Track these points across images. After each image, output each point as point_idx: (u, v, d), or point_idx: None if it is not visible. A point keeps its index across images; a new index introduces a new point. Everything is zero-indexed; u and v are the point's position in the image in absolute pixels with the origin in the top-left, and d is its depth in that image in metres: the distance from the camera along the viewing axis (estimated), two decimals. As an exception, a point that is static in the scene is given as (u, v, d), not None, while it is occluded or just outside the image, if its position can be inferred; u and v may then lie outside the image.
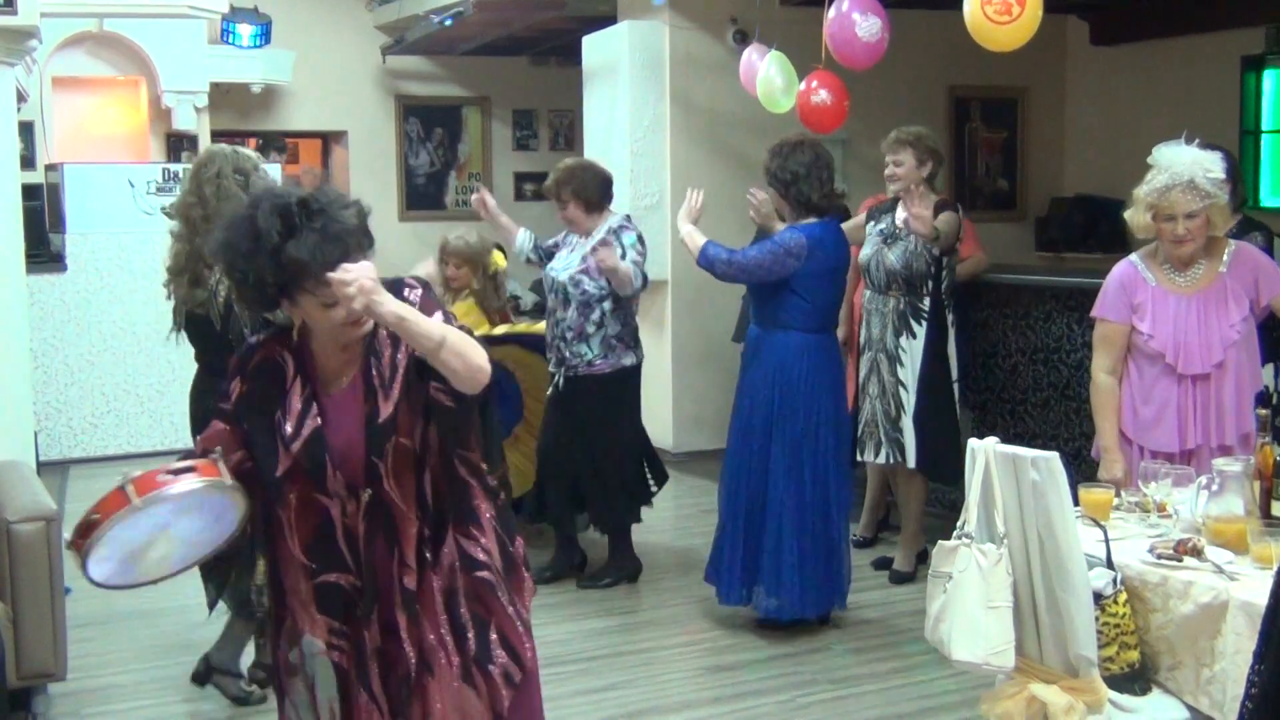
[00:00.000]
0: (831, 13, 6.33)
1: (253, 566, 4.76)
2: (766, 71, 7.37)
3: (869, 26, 6.19)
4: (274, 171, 9.83)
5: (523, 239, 6.50)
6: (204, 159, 4.80)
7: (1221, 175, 4.12)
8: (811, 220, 5.40)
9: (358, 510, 2.82)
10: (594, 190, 6.16)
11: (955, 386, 6.28)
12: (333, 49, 12.40)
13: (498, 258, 7.09)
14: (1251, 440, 3.97)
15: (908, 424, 6.11)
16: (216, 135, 11.56)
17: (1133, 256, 4.37)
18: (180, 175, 9.51)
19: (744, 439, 5.48)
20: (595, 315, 5.98)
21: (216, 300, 4.61)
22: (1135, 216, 4.27)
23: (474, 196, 6.54)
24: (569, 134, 13.15)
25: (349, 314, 2.70)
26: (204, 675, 4.97)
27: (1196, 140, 4.20)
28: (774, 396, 5.38)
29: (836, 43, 6.35)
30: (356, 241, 2.75)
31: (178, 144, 11.30)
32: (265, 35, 11.27)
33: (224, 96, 11.63)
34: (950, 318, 6.20)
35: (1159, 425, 4.25)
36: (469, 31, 11.15)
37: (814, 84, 7.01)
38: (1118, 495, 3.88)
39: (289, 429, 2.81)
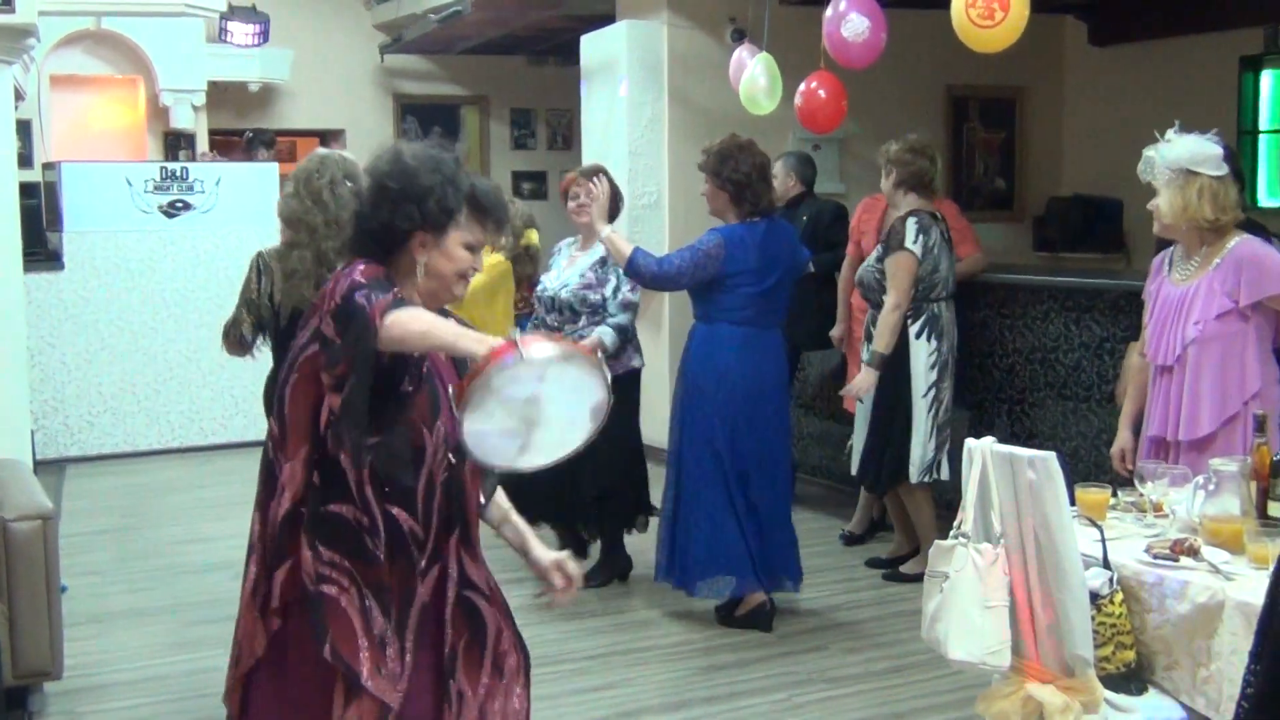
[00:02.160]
0: (829, 13, 6.33)
1: None
2: (752, 72, 7.37)
3: (853, 26, 6.18)
4: (271, 172, 9.83)
5: None
6: (313, 167, 4.82)
7: (1181, 165, 4.17)
8: (733, 221, 5.56)
9: (441, 464, 2.88)
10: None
11: (924, 400, 6.08)
12: (331, 48, 12.41)
13: (531, 235, 7.68)
14: (1218, 445, 4.13)
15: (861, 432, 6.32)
16: (214, 134, 11.57)
17: (1172, 247, 4.44)
18: (178, 174, 9.54)
19: (673, 424, 5.74)
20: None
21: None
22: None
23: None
24: (567, 133, 13.15)
25: (472, 269, 2.95)
26: None
27: (1212, 132, 4.27)
28: (693, 383, 5.59)
29: (834, 43, 6.35)
30: None
31: (175, 142, 11.30)
32: (263, 34, 11.27)
33: (222, 95, 11.63)
34: (915, 330, 6.10)
35: (1149, 408, 4.45)
36: (467, 30, 11.16)
37: (813, 84, 7.01)
38: (1114, 495, 3.88)
39: (424, 370, 2.90)
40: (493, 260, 6.59)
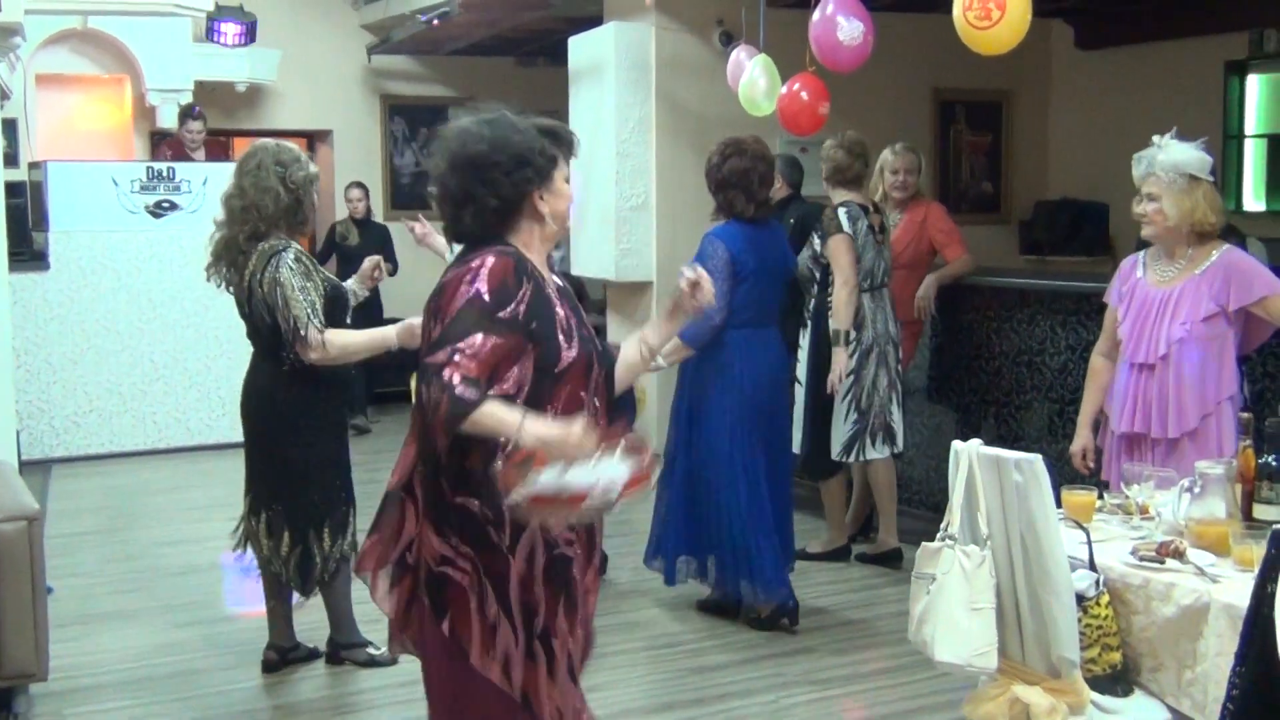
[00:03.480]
0: (816, 15, 6.34)
1: (346, 526, 5.02)
2: (751, 74, 7.37)
3: (850, 30, 6.19)
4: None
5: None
6: (247, 152, 5.02)
7: (1185, 171, 4.27)
8: (722, 221, 5.67)
9: (594, 421, 2.99)
10: None
11: (842, 385, 6.24)
12: (318, 48, 12.37)
13: None
14: (1195, 441, 4.22)
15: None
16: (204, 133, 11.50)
17: (1144, 251, 4.59)
18: (164, 174, 9.52)
19: (677, 427, 5.78)
20: None
21: (242, 285, 4.85)
22: (1133, 205, 4.51)
23: (411, 225, 6.09)
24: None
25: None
26: (275, 665, 5.19)
27: (1201, 140, 4.38)
28: (701, 387, 5.63)
29: (821, 45, 6.36)
30: None
31: (161, 142, 11.26)
32: (246, 34, 11.21)
33: (209, 95, 11.59)
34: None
35: (1117, 405, 4.51)
36: (455, 31, 11.13)
37: (795, 86, 7.01)
38: (1100, 497, 3.90)
39: (570, 323, 3.02)
40: None
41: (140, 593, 6.32)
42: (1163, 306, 4.34)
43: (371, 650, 5.19)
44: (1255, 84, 9.74)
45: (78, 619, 5.86)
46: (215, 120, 11.75)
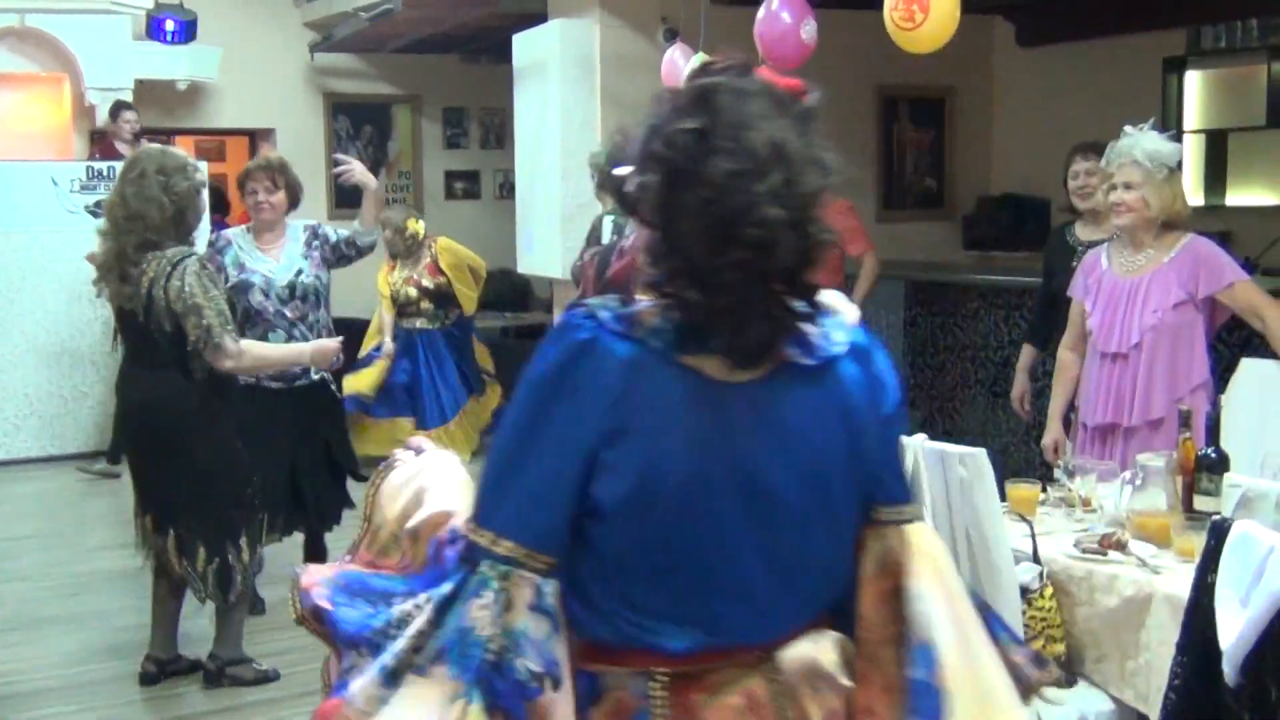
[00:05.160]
0: (762, 13, 6.36)
1: (260, 536, 4.96)
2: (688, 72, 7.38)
3: (810, 29, 6.24)
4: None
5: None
6: (131, 159, 4.93)
7: (1165, 162, 4.33)
8: None
9: None
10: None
11: None
12: (260, 46, 12.27)
13: (418, 225, 8.26)
14: (1164, 429, 4.24)
15: None
16: (145, 133, 11.39)
17: (1105, 243, 4.64)
18: (104, 173, 9.42)
19: None
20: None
21: (140, 294, 4.70)
22: (1099, 194, 4.61)
23: (339, 170, 6.22)
24: (500, 132, 13.09)
25: None
26: (154, 677, 5.05)
27: (1170, 132, 4.50)
28: None
29: (766, 42, 6.38)
30: None
31: (100, 141, 11.13)
32: (180, 32, 11.08)
33: (149, 93, 11.47)
34: None
35: (1087, 398, 4.54)
36: (398, 29, 11.08)
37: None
38: (1044, 490, 3.94)
39: None
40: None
41: (83, 597, 6.24)
42: (1132, 295, 4.39)
43: (257, 666, 5.06)
44: (1193, 80, 9.86)
45: (20, 624, 5.79)
46: (156, 119, 11.63)
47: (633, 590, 1.80)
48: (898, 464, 1.95)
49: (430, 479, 2.12)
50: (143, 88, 11.23)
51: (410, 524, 2.06)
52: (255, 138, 12.94)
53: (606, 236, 6.07)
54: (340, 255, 5.85)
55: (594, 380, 1.76)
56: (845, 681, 1.89)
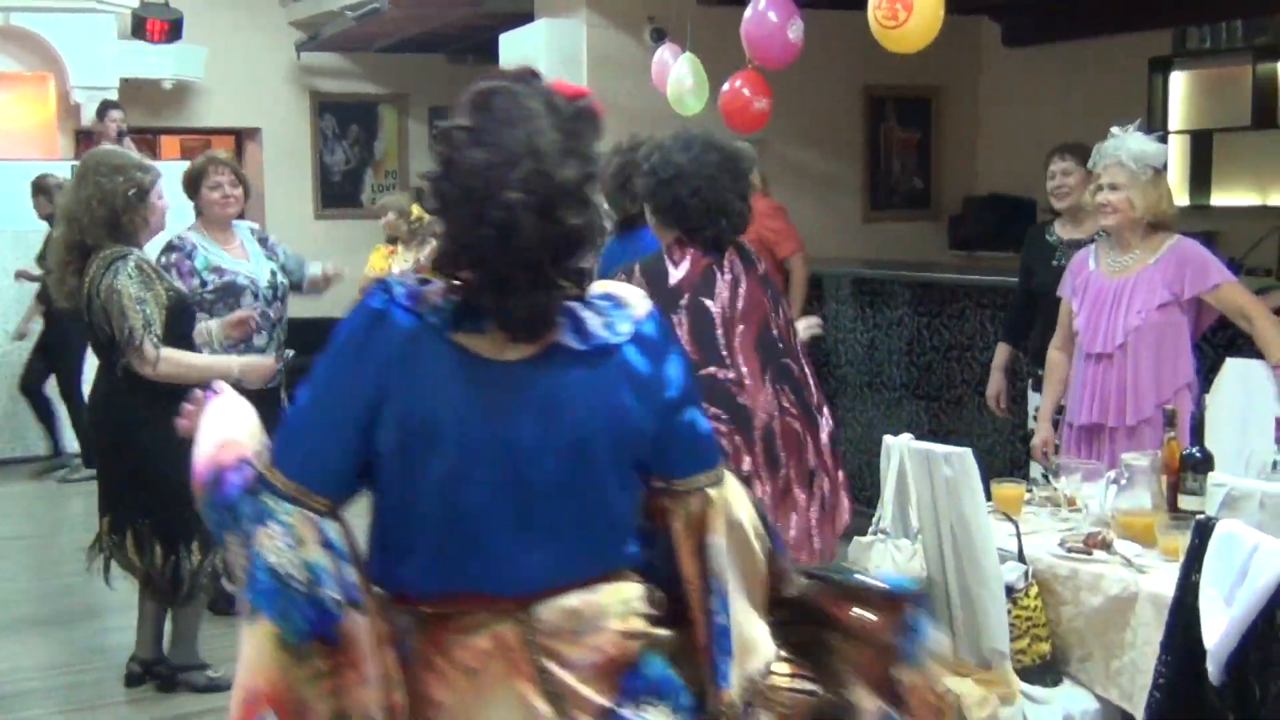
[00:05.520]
0: (749, 12, 6.36)
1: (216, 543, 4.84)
2: (678, 73, 7.38)
3: (797, 28, 6.24)
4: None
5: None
6: (83, 158, 4.84)
7: (1151, 163, 4.34)
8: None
9: None
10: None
11: None
12: (246, 45, 12.24)
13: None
14: (1150, 429, 4.24)
15: None
16: (130, 131, 11.36)
17: (1093, 244, 4.66)
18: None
19: None
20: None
21: (83, 294, 4.65)
22: (1087, 195, 4.58)
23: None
24: (486, 132, 13.09)
25: None
26: (139, 678, 5.03)
27: (1156, 133, 4.51)
28: None
29: (753, 42, 6.38)
30: None
31: (87, 141, 11.10)
32: (165, 31, 11.03)
33: (135, 93, 11.44)
34: None
35: (1073, 398, 4.55)
36: (384, 28, 11.06)
37: (737, 83, 7.03)
38: (1029, 490, 3.94)
39: None
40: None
41: (67, 598, 6.22)
42: (1117, 296, 4.40)
43: (210, 673, 4.97)
44: (1178, 81, 9.89)
45: (2, 626, 5.77)
46: (141, 118, 11.60)
47: (401, 536, 2.06)
48: (689, 442, 2.17)
49: (222, 414, 2.27)
50: (128, 87, 11.20)
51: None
52: (241, 137, 12.91)
53: None
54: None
55: (378, 346, 2.01)
56: (617, 625, 2.09)
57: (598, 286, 2.13)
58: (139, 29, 10.83)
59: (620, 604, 2.10)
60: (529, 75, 2.12)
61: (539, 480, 2.03)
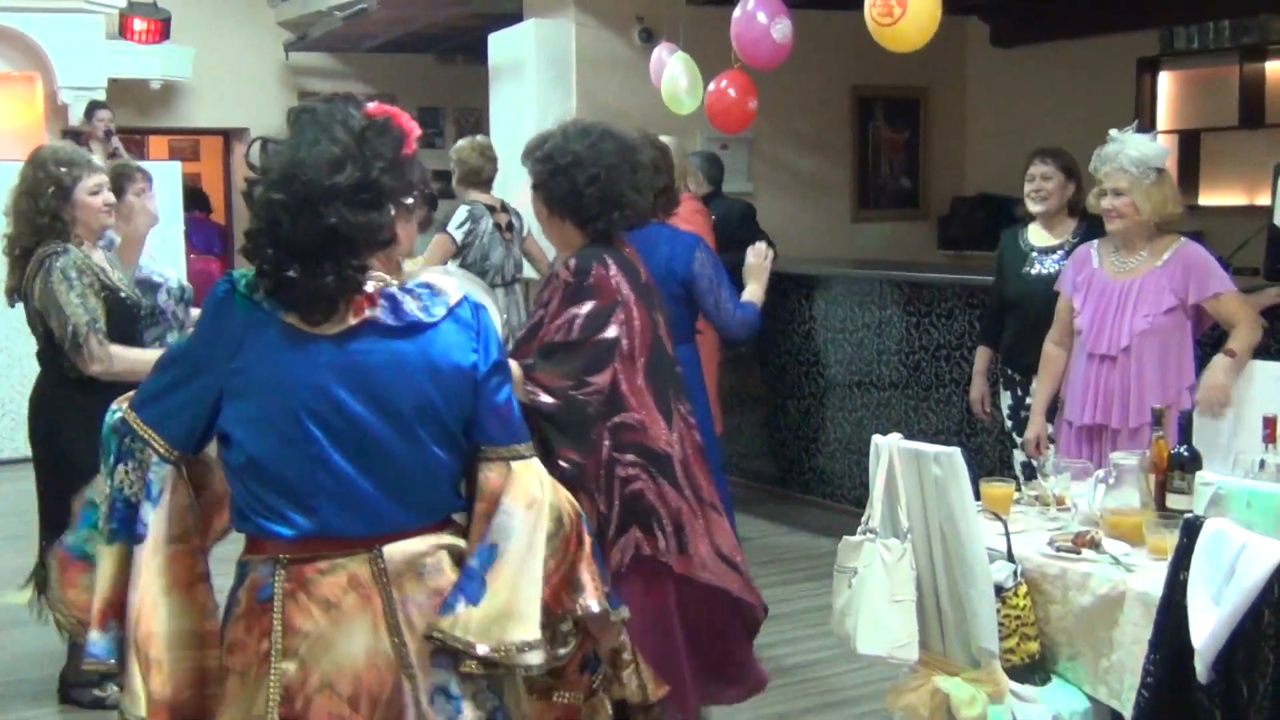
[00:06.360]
0: (738, 12, 6.36)
1: None
2: (672, 71, 7.38)
3: (782, 28, 6.23)
4: (174, 171, 9.67)
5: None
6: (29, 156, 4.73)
7: (1153, 164, 4.33)
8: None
9: None
10: None
11: None
12: (234, 45, 12.23)
13: None
14: (1147, 436, 4.14)
15: None
16: (118, 132, 11.35)
17: (1096, 241, 4.63)
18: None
19: None
20: None
21: (22, 289, 4.56)
22: (1090, 199, 4.55)
23: None
24: (475, 132, 13.04)
25: None
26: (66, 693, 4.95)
27: (1153, 133, 4.52)
28: None
29: (742, 42, 6.38)
30: None
31: (75, 140, 11.06)
32: (153, 31, 11.01)
33: (123, 93, 11.42)
34: None
35: (1074, 397, 4.54)
36: (373, 28, 11.06)
37: (723, 83, 7.03)
38: (1018, 490, 3.95)
39: None
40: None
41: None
42: (1123, 298, 4.39)
43: (98, 693, 4.80)
44: (1166, 81, 9.91)
45: (-9, 626, 5.76)
46: (129, 119, 11.58)
47: (258, 489, 2.38)
48: (498, 414, 2.49)
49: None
50: (116, 87, 11.18)
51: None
52: (229, 137, 12.90)
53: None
54: None
55: (225, 325, 2.40)
56: (451, 572, 2.44)
57: (422, 276, 2.48)
58: (126, 29, 10.81)
59: (455, 550, 2.46)
60: (340, 98, 2.47)
61: (368, 437, 2.36)
